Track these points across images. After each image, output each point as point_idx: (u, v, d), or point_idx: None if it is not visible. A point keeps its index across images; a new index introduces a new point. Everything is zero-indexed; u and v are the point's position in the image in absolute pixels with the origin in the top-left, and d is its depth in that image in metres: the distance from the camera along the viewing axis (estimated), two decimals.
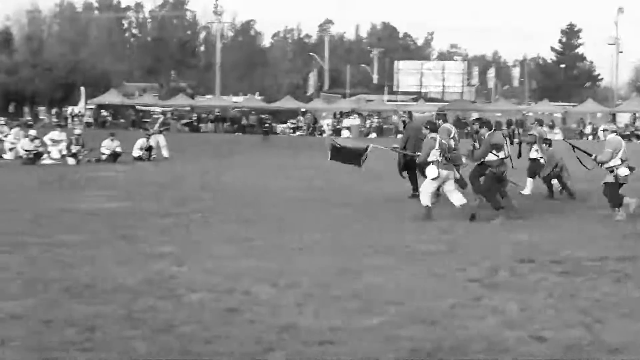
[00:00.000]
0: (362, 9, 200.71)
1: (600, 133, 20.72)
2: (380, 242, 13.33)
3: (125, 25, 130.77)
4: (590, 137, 64.50)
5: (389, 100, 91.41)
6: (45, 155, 31.66)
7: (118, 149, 33.15)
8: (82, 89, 79.39)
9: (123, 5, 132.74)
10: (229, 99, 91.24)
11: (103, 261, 11.23)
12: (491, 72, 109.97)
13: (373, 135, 66.81)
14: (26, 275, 10.12)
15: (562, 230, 15.17)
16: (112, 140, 33.40)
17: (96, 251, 12.04)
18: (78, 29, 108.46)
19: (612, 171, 17.05)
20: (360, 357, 7.24)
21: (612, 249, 12.90)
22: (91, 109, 79.91)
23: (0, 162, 30.96)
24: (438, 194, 17.74)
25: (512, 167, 17.84)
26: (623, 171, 17.00)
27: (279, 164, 31.69)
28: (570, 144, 20.15)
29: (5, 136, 35.45)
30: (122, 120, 77.68)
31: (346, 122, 74.05)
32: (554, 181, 21.19)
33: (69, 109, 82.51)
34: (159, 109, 74.38)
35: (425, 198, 16.72)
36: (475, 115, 75.19)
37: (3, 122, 42.34)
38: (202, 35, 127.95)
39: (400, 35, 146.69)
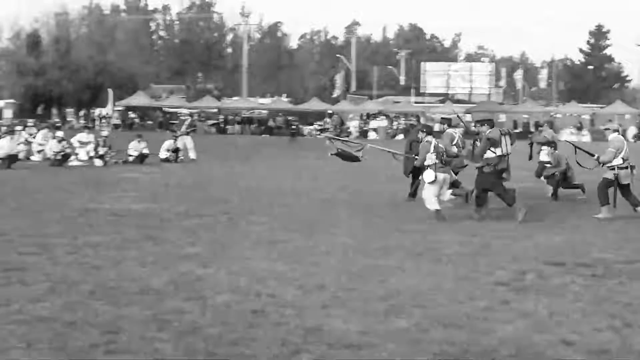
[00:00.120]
0: (389, 10, 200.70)
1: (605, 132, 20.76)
2: (406, 244, 13.26)
3: (153, 28, 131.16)
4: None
5: (415, 102, 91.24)
6: (72, 157, 31.76)
7: (145, 151, 33.22)
8: (110, 90, 79.73)
9: (150, 8, 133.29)
10: (256, 101, 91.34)
11: (129, 263, 11.23)
12: (519, 74, 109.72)
13: (400, 136, 66.57)
14: (52, 277, 10.11)
15: (588, 233, 15.05)
16: (139, 141, 33.47)
17: (122, 252, 12.03)
18: (106, 31, 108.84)
19: (613, 169, 17.01)
20: None
21: None
22: (119, 110, 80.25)
23: (28, 164, 31.06)
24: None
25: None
26: (625, 177, 16.97)
27: (306, 165, 31.66)
28: (572, 144, 20.10)
29: (33, 138, 35.62)
30: (149, 122, 77.95)
31: (373, 123, 73.97)
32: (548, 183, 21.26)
33: (97, 111, 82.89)
34: (186, 111, 74.59)
35: (432, 203, 16.76)
36: (502, 117, 75.22)
37: (31, 124, 42.62)
38: (229, 37, 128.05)
39: (427, 36, 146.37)
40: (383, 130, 70.90)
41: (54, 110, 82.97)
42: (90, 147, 32.66)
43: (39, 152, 33.25)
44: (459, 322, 8.36)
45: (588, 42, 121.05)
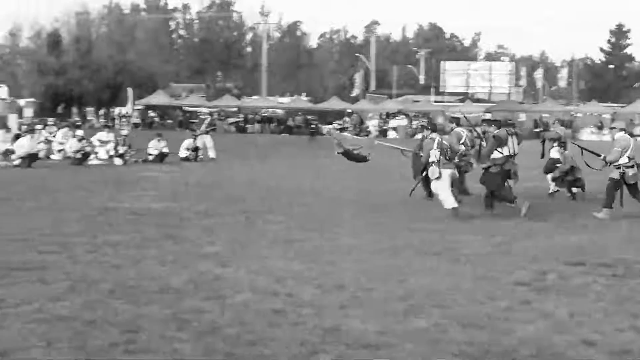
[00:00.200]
0: (408, 9, 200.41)
1: (607, 132, 20.83)
2: (424, 243, 13.24)
3: (173, 27, 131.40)
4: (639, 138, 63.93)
5: (435, 101, 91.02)
6: (92, 156, 31.87)
7: (165, 150, 33.29)
8: (130, 90, 79.90)
9: (170, 7, 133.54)
10: (275, 100, 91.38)
11: (148, 261, 11.24)
12: (539, 73, 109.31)
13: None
14: (72, 276, 10.13)
15: (609, 232, 14.99)
16: (159, 140, 33.55)
17: (142, 251, 12.05)
18: (125, 31, 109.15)
19: (618, 168, 16.96)
20: None
21: None
22: (138, 109, 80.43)
23: (48, 163, 31.17)
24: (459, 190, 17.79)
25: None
26: (632, 177, 16.93)
27: (325, 164, 31.59)
28: (577, 145, 20.08)
29: (53, 137, 35.75)
30: (169, 121, 78.11)
31: (393, 122, 73.83)
32: (553, 184, 21.19)
33: (117, 110, 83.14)
34: (205, 110, 74.71)
35: (448, 201, 16.82)
36: (522, 116, 75.00)
37: (51, 123, 42.76)
38: (249, 36, 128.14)
39: (447, 35, 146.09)
40: (402, 130, 70.73)
41: (74, 110, 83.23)
42: (110, 146, 32.77)
43: (59, 151, 33.35)
44: (478, 322, 8.33)
45: (608, 41, 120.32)
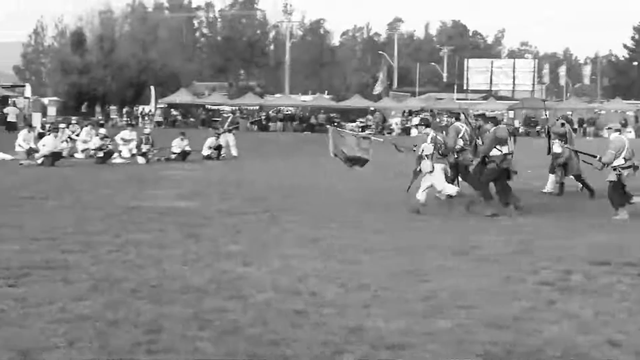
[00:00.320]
0: (431, 7, 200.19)
1: (605, 132, 20.86)
2: (446, 243, 13.18)
3: (196, 25, 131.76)
4: None
5: (458, 99, 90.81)
6: (115, 154, 31.97)
7: (187, 148, 33.35)
8: (152, 88, 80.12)
9: (193, 5, 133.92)
10: (298, 98, 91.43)
11: (170, 261, 11.22)
12: (562, 70, 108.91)
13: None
14: (95, 275, 10.12)
15: (631, 232, 14.90)
16: (182, 139, 33.60)
17: (164, 251, 12.03)
18: (149, 29, 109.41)
19: (615, 169, 16.89)
20: None
21: None
22: (161, 108, 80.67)
23: (71, 161, 31.26)
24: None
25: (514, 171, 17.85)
26: (628, 175, 16.87)
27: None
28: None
29: (77, 135, 35.86)
30: (192, 119, 78.33)
31: (415, 120, 73.69)
32: (554, 177, 21.52)
33: (140, 109, 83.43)
34: (228, 108, 74.86)
35: (448, 189, 17.35)
36: (544, 115, 74.66)
37: (75, 122, 42.93)
38: (272, 34, 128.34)
39: (470, 33, 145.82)
40: None
41: (98, 108, 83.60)
42: (133, 144, 32.86)
43: (83, 151, 33.42)
44: (503, 322, 8.26)
45: (632, 38, 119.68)
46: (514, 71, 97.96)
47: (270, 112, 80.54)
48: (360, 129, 71.98)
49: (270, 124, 77.37)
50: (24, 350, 7.05)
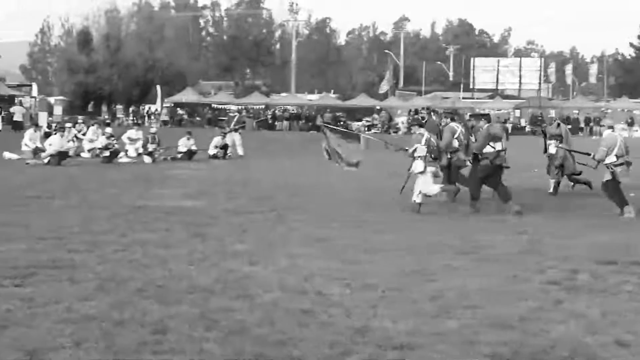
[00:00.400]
0: (438, 5, 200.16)
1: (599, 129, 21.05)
2: (452, 242, 13.16)
3: (202, 24, 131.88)
4: None
5: (464, 98, 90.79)
6: (122, 154, 31.99)
7: (194, 147, 33.37)
8: (158, 87, 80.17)
9: (199, 4, 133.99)
10: (304, 97, 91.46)
11: (177, 260, 11.20)
12: (569, 69, 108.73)
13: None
14: (101, 275, 10.09)
15: (636, 231, 14.83)
16: (188, 139, 33.61)
17: (170, 250, 12.01)
18: (155, 28, 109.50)
19: (608, 167, 16.91)
20: None
21: None
22: (167, 107, 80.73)
23: (77, 160, 31.28)
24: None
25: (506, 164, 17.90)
26: (621, 172, 16.87)
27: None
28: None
29: (83, 135, 35.91)
30: (198, 119, 78.34)
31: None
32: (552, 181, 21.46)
33: (146, 108, 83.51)
34: (234, 107, 74.88)
35: (431, 189, 17.24)
36: (552, 112, 74.60)
37: (81, 121, 42.96)
38: (278, 33, 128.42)
39: (476, 32, 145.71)
40: None
41: (104, 107, 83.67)
42: (139, 144, 32.88)
43: (89, 150, 33.44)
44: (510, 322, 8.23)
45: (639, 37, 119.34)
46: (520, 70, 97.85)
47: (276, 111, 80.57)
48: (366, 128, 72.11)
49: (276, 123, 77.37)
50: (31, 351, 7.04)
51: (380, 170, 25.10)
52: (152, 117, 77.59)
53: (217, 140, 34.57)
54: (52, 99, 78.64)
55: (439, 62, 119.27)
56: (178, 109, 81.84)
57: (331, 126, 21.97)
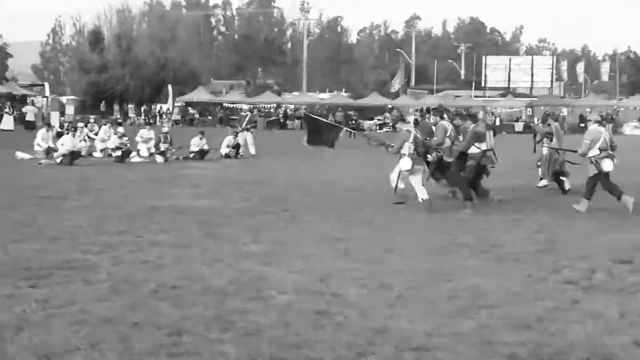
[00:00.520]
0: (449, 4, 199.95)
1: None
2: (469, 242, 13.10)
3: (213, 23, 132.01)
4: None
5: (476, 96, 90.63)
6: (134, 153, 31.97)
7: (206, 147, 33.34)
8: (169, 86, 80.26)
9: (211, 4, 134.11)
10: (316, 96, 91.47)
11: (191, 261, 11.16)
12: (580, 67, 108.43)
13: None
14: (115, 276, 10.07)
15: None
16: (200, 138, 33.56)
17: (184, 251, 11.97)
18: (166, 28, 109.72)
19: (592, 162, 16.85)
20: None
21: None
22: (179, 106, 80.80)
23: (90, 160, 31.29)
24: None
25: (496, 159, 18.07)
26: (607, 165, 16.78)
27: (366, 160, 31.43)
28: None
29: (95, 134, 35.93)
30: (209, 118, 78.42)
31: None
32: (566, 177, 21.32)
33: (158, 107, 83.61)
34: (246, 106, 74.91)
35: (421, 193, 17.17)
36: (564, 111, 74.42)
37: (93, 120, 43.01)
38: (289, 32, 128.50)
39: (488, 30, 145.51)
40: None
41: (116, 107, 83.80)
42: (151, 143, 32.85)
43: (101, 150, 33.45)
44: (527, 322, 8.17)
45: None
46: (532, 68, 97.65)
47: (288, 110, 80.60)
48: (377, 127, 72.05)
49: (288, 121, 77.38)
50: (47, 354, 7.00)
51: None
52: (164, 117, 77.65)
53: (229, 139, 34.52)
54: (64, 99, 78.91)
55: (450, 61, 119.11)
56: (190, 108, 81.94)
57: (313, 116, 22.29)
